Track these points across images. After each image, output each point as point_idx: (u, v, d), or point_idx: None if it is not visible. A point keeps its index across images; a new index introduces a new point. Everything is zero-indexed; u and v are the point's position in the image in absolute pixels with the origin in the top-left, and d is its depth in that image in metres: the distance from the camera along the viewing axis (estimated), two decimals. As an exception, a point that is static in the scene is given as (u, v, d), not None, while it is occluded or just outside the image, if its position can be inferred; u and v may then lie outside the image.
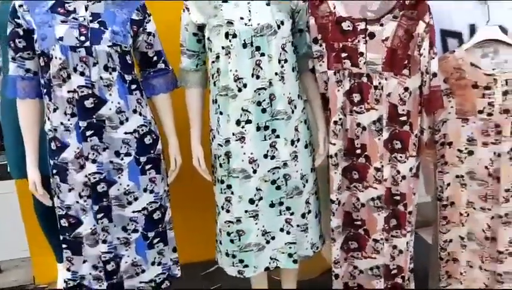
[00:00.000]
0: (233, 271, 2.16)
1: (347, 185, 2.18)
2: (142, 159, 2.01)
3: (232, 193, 2.06)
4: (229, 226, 2.09)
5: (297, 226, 2.14)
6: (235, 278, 2.28)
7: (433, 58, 1.99)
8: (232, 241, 2.10)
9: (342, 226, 2.22)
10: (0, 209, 3.07)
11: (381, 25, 1.97)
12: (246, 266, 2.13)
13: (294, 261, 2.16)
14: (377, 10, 1.99)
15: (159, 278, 2.15)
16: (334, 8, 2.01)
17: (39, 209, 2.55)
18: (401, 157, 2.11)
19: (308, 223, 2.16)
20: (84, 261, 2.05)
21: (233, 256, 2.12)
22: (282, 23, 1.96)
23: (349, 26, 1.99)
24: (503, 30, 2.06)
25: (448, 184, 2.18)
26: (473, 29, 2.11)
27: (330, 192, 2.18)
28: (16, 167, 2.44)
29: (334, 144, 2.12)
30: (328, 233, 2.30)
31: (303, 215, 2.14)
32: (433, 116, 2.13)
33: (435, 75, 2.00)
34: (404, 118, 2.06)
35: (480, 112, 2.08)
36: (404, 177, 2.12)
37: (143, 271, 2.10)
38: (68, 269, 2.07)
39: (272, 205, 2.08)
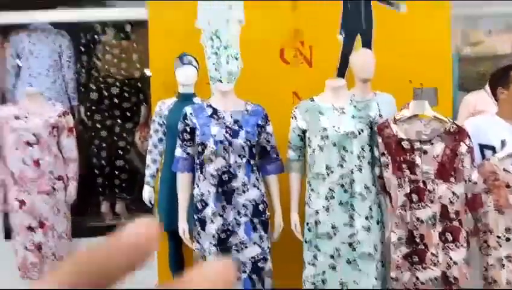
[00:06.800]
0: None
1: (408, 266, 2.57)
2: (255, 220, 2.60)
3: (319, 250, 2.60)
4: (314, 277, 2.60)
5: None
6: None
7: (473, 171, 2.45)
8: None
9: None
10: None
11: (432, 144, 2.48)
12: None
13: None
14: (429, 134, 2.51)
15: None
16: (396, 131, 2.56)
17: (172, 260, 3.21)
18: (453, 246, 2.49)
19: (376, 286, 2.60)
20: None
21: None
22: (362, 130, 2.59)
23: (407, 145, 2.52)
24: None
25: (492, 265, 2.53)
26: (503, 144, 2.55)
27: (391, 270, 2.59)
28: (166, 221, 2.99)
29: (395, 233, 2.57)
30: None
31: (375, 278, 2.58)
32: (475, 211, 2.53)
33: (475, 183, 2.45)
34: (453, 216, 2.48)
35: (513, 206, 2.47)
36: (455, 263, 2.48)
37: None
38: None
39: (348, 262, 2.57)
